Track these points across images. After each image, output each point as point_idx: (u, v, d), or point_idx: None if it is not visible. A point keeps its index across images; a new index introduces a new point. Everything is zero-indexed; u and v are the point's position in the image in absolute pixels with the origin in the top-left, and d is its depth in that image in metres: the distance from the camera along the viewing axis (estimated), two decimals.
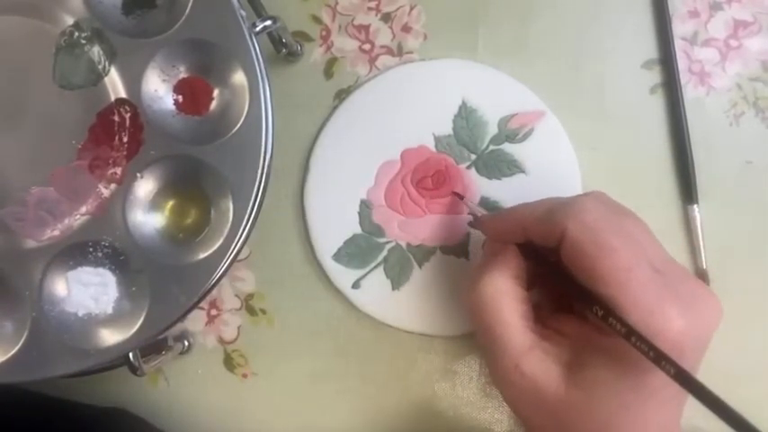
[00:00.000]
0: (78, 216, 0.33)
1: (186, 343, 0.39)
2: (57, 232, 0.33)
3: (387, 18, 0.39)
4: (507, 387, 0.29)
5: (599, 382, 0.27)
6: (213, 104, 0.34)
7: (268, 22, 0.33)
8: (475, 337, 0.32)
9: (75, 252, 0.33)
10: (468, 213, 0.37)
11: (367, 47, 0.39)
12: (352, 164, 0.38)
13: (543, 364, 0.28)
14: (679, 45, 0.38)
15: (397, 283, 0.38)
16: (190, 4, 0.32)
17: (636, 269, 0.26)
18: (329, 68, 0.39)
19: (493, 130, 0.38)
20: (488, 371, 0.32)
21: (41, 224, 0.33)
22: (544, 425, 0.29)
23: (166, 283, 0.32)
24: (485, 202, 0.38)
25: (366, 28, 0.39)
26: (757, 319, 0.37)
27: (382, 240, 0.38)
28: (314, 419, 0.39)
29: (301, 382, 0.39)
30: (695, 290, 0.28)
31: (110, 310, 0.33)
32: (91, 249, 0.33)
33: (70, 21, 0.33)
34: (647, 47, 0.38)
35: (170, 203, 0.34)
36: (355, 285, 0.38)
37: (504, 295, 0.30)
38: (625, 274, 0.26)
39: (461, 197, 0.37)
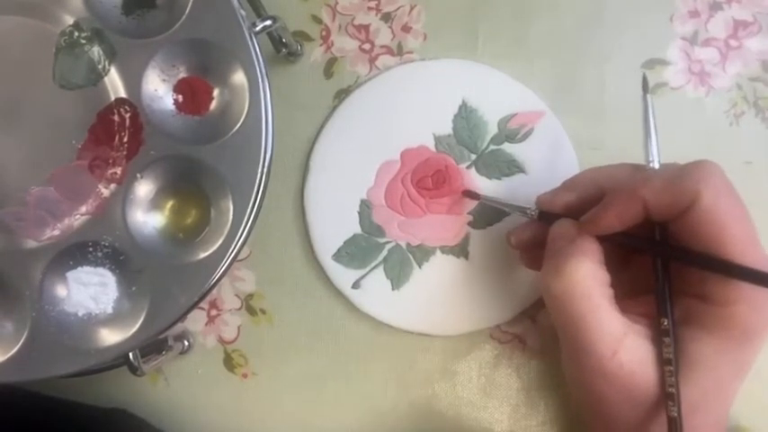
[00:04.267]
0: (78, 216, 0.33)
1: (186, 343, 0.39)
2: (57, 232, 0.33)
3: (387, 18, 0.39)
4: (599, 380, 0.28)
5: (696, 358, 0.27)
6: (213, 104, 0.34)
7: (268, 22, 0.33)
8: (556, 329, 0.30)
9: (75, 252, 0.33)
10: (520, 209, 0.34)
11: (367, 47, 0.39)
12: (352, 164, 0.38)
13: (641, 349, 0.28)
14: (679, 45, 0.38)
15: (397, 283, 0.38)
16: (190, 4, 0.32)
17: (755, 239, 0.27)
18: (329, 68, 0.39)
19: (493, 130, 0.38)
20: (574, 365, 0.30)
21: (41, 224, 0.33)
22: (630, 417, 0.28)
23: (166, 283, 0.32)
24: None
25: (366, 28, 0.39)
26: None
27: (382, 240, 0.38)
28: (314, 419, 0.39)
29: (301, 382, 0.39)
30: None
31: (110, 310, 0.33)
32: (91, 249, 0.33)
33: (70, 21, 0.33)
34: (648, 47, 0.38)
35: (170, 203, 0.34)
36: (355, 285, 0.38)
37: (594, 280, 0.28)
38: (748, 244, 0.26)
39: (477, 196, 0.37)
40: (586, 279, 0.28)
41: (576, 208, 0.31)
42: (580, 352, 0.28)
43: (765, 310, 0.27)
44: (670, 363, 0.27)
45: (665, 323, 0.28)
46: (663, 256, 0.29)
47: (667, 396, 0.27)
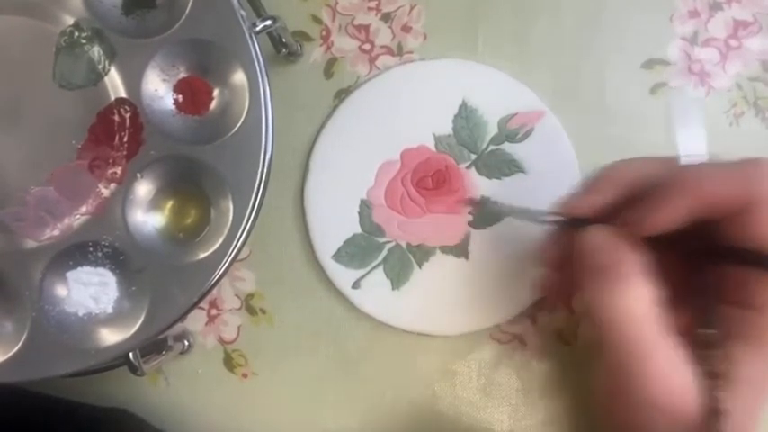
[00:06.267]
0: (78, 216, 0.33)
1: (186, 343, 0.39)
2: (57, 232, 0.33)
3: (387, 18, 0.39)
4: (647, 409, 0.26)
5: (741, 375, 0.25)
6: (213, 104, 0.34)
7: (268, 22, 0.33)
8: (588, 349, 0.29)
9: (75, 252, 0.33)
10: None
11: (367, 47, 0.39)
12: (352, 164, 0.38)
13: (688, 371, 0.25)
14: (679, 45, 0.38)
15: (397, 283, 0.38)
16: (190, 4, 0.32)
17: None
18: (329, 68, 0.39)
19: (493, 130, 0.38)
20: (614, 393, 0.27)
21: (41, 224, 0.33)
22: None
23: (166, 283, 0.32)
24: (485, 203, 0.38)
25: (366, 28, 0.39)
26: None
27: (382, 240, 0.38)
28: (314, 419, 0.39)
29: (301, 382, 0.39)
30: None
31: (110, 310, 0.33)
32: (91, 249, 0.33)
33: (70, 21, 0.33)
34: (648, 47, 0.38)
35: (170, 203, 0.34)
36: (355, 285, 0.38)
37: (645, 303, 0.26)
38: None
39: (479, 204, 0.36)
40: (639, 302, 0.26)
41: (605, 212, 0.28)
42: (630, 378, 0.26)
43: None
44: (715, 377, 0.25)
45: (708, 334, 0.26)
46: (714, 257, 0.27)
47: (712, 413, 0.25)
